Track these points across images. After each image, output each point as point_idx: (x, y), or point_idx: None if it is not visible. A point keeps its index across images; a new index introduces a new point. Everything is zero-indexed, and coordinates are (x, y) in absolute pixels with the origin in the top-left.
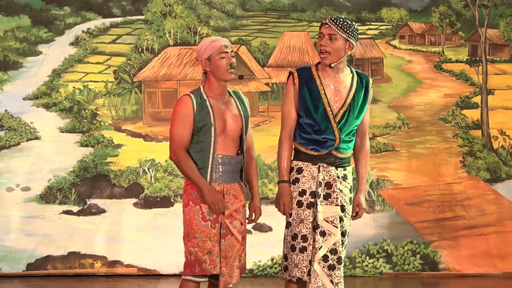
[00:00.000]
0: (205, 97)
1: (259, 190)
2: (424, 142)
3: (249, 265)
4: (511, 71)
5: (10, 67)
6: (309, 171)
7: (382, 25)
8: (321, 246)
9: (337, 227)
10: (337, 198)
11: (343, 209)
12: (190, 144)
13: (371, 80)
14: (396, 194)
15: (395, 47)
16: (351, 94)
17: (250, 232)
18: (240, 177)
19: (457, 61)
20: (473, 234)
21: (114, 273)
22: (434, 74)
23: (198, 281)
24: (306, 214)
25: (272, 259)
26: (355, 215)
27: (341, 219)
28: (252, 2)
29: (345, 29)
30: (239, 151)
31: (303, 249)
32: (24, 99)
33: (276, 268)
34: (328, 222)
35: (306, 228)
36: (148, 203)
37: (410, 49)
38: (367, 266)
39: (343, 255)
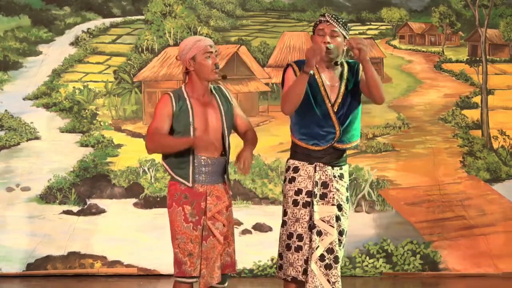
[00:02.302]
0: (185, 96)
1: (252, 147)
2: (424, 142)
3: (249, 265)
4: (511, 71)
5: (10, 67)
6: (305, 170)
7: (382, 25)
8: (318, 246)
9: (333, 227)
10: (334, 197)
11: (340, 208)
12: None
13: (358, 64)
14: (396, 194)
15: (395, 47)
16: (343, 86)
17: (250, 232)
18: (223, 178)
19: (457, 61)
20: (473, 234)
21: (114, 273)
22: (434, 74)
23: (187, 282)
24: (302, 214)
25: (272, 259)
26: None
27: (338, 218)
28: (252, 2)
29: (345, 26)
30: (222, 152)
31: (298, 248)
32: (24, 99)
33: (276, 268)
34: (325, 222)
35: (302, 227)
36: (148, 203)
37: (410, 49)
38: (367, 266)
39: (340, 254)
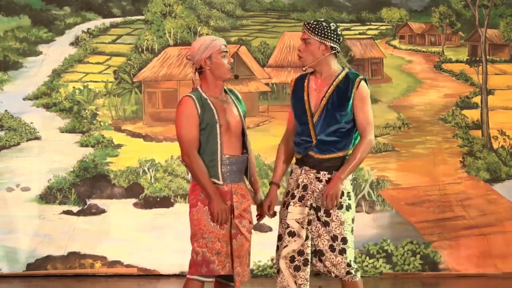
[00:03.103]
0: (205, 96)
1: (258, 183)
2: (424, 142)
3: None
4: (511, 71)
5: (10, 67)
6: (295, 173)
7: (382, 25)
8: (286, 245)
9: (304, 228)
10: (309, 200)
11: (328, 214)
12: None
13: (359, 78)
14: (396, 194)
15: (395, 47)
16: (328, 94)
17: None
18: (244, 176)
19: (457, 61)
20: (473, 234)
21: (114, 273)
22: (434, 74)
23: (203, 281)
24: (284, 214)
25: (272, 259)
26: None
27: (326, 224)
28: (252, 2)
29: (317, 32)
30: (244, 150)
31: (276, 249)
32: (24, 99)
33: (276, 268)
34: (298, 223)
35: (283, 228)
36: (148, 203)
37: (410, 49)
38: (367, 266)
39: (309, 257)
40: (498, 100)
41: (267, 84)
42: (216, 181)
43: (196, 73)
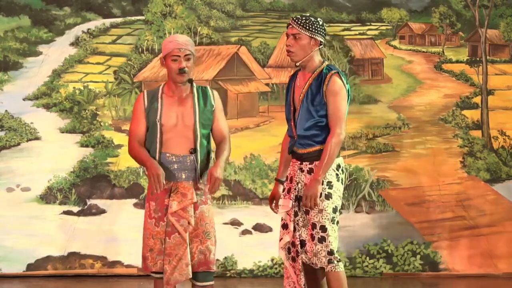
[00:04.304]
0: (159, 94)
1: (223, 165)
2: (424, 142)
3: (249, 266)
4: (511, 72)
5: (10, 68)
6: (290, 167)
7: (382, 26)
8: (282, 238)
9: (291, 221)
10: (293, 192)
11: (301, 201)
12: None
13: (330, 73)
14: (396, 194)
15: (395, 47)
16: (304, 90)
17: (250, 232)
18: (195, 176)
19: (457, 62)
20: (473, 234)
21: (114, 273)
22: (434, 74)
23: (154, 277)
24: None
25: (272, 260)
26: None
27: (296, 214)
28: (252, 3)
29: (307, 27)
30: (192, 150)
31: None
32: (24, 99)
33: (276, 268)
34: (288, 215)
35: (281, 221)
36: None
37: (410, 50)
38: (367, 266)
39: (317, 248)
40: (498, 101)
41: (267, 84)
42: None
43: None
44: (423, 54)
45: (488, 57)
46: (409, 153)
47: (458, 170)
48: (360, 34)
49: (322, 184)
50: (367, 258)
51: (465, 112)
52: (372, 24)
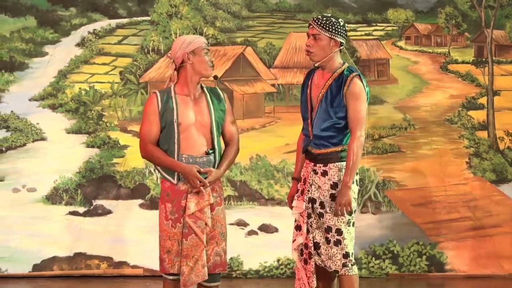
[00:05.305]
0: (172, 94)
1: (225, 168)
2: (430, 143)
3: (255, 266)
4: None
5: (16, 68)
6: (303, 168)
7: (388, 26)
8: (295, 239)
9: (304, 222)
10: (307, 193)
11: (322, 205)
12: (158, 143)
13: (352, 75)
14: (402, 195)
15: (401, 48)
16: (323, 90)
17: (256, 233)
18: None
19: (463, 62)
20: (479, 235)
21: (120, 274)
22: (440, 75)
23: (167, 279)
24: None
25: (278, 260)
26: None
27: (321, 215)
28: (258, 3)
29: (328, 28)
30: (209, 150)
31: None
32: (30, 100)
33: (282, 269)
34: (302, 217)
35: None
36: (154, 204)
37: (416, 50)
38: (373, 267)
39: (312, 251)
40: (504, 101)
41: (273, 85)
42: (170, 179)
43: (175, 70)
44: (429, 55)
45: (494, 58)
46: (415, 154)
47: (464, 170)
48: (366, 34)
49: (337, 186)
50: (373, 258)
51: (471, 112)
52: (378, 24)
